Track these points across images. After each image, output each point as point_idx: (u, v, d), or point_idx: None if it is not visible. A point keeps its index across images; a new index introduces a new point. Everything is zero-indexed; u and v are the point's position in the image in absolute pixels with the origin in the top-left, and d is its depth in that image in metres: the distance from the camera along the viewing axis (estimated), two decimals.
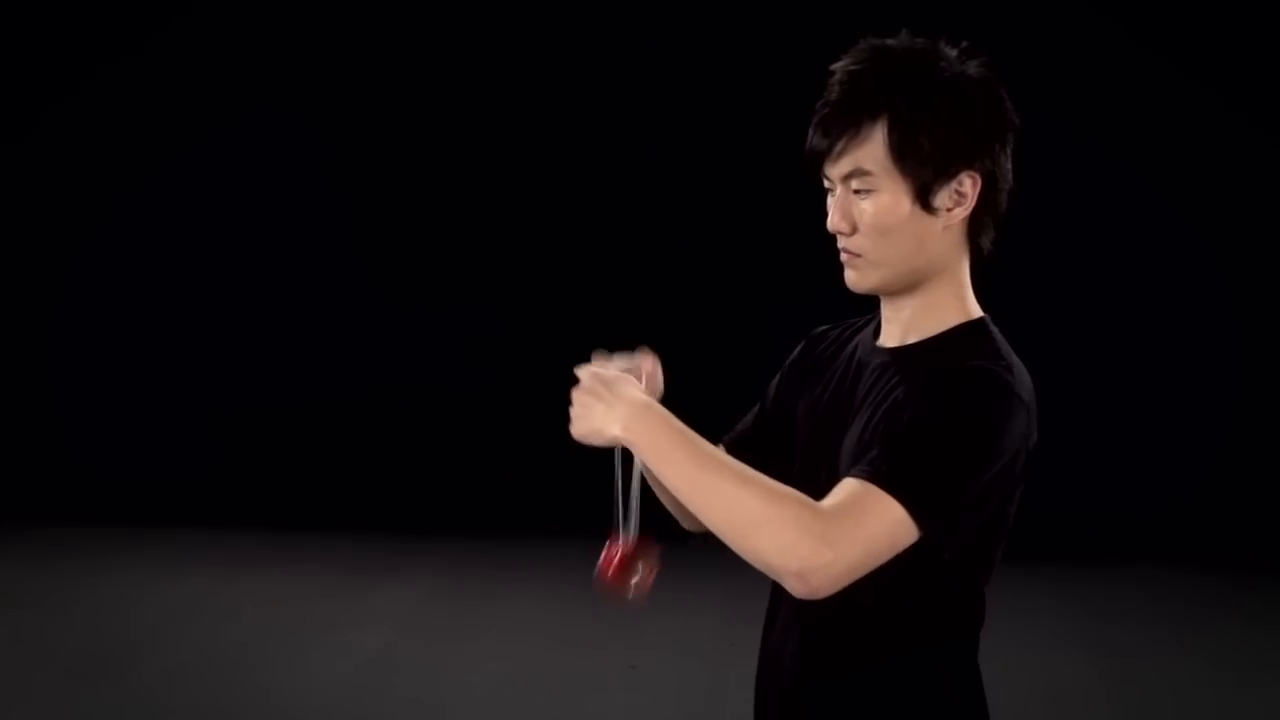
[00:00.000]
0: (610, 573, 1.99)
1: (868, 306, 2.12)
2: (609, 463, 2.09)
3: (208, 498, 8.23)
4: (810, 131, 1.97)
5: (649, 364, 2.04)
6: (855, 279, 2.01)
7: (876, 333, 2.07)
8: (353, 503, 8.23)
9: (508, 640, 6.09)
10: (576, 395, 1.93)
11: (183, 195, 8.53)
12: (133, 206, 8.53)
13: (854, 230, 1.97)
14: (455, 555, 7.44)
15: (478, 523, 7.98)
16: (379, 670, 5.64)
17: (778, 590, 2.10)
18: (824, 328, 2.18)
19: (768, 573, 1.85)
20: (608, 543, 2.00)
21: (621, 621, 6.38)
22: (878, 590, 1.95)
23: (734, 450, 2.12)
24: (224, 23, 8.38)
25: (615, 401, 1.91)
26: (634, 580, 1.99)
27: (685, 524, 2.21)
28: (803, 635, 2.03)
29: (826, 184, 2.00)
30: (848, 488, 1.86)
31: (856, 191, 1.96)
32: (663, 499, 2.16)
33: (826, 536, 1.81)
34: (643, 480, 2.01)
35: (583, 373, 1.95)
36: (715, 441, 2.12)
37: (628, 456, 1.96)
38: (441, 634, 6.20)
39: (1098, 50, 7.96)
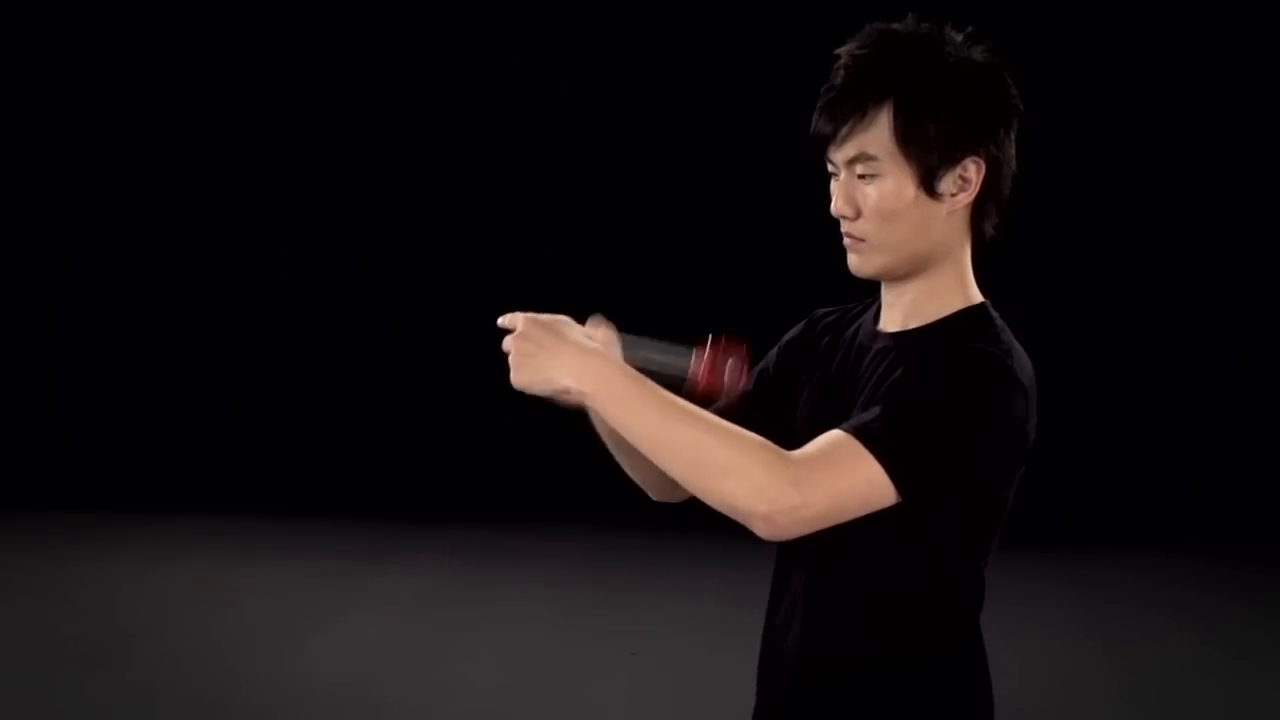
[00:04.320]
0: (704, 378, 1.94)
1: (869, 290, 2.11)
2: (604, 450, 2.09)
3: (207, 486, 8.23)
4: (815, 115, 1.96)
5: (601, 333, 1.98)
6: (858, 263, 2.00)
7: (876, 317, 2.06)
8: (352, 490, 8.23)
9: (508, 627, 6.09)
10: (514, 341, 1.86)
11: (181, 193, 8.53)
12: (133, 204, 8.54)
13: (858, 215, 1.96)
14: (455, 543, 7.44)
15: (478, 510, 7.98)
16: (379, 658, 5.64)
17: (780, 578, 2.10)
18: (825, 310, 2.18)
19: (734, 516, 1.83)
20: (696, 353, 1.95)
21: (622, 608, 6.39)
22: (878, 575, 1.97)
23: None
24: (224, 23, 8.38)
25: (562, 348, 1.85)
26: (726, 379, 1.95)
27: (654, 495, 2.18)
28: (805, 622, 2.03)
29: (830, 168, 1.99)
30: (829, 437, 1.85)
31: (861, 176, 1.95)
32: (627, 465, 2.13)
33: (796, 480, 1.80)
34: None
35: (516, 318, 1.88)
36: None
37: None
38: (442, 621, 6.20)
39: (1095, 46, 7.96)
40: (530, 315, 1.88)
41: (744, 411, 2.09)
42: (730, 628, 5.64)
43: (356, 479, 8.35)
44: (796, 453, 1.83)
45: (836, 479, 1.82)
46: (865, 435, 1.84)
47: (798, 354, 2.14)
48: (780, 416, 2.08)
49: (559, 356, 1.85)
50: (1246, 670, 5.72)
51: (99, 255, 8.57)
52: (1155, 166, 8.02)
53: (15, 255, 8.62)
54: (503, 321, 1.90)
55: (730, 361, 1.96)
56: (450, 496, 8.14)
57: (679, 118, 8.23)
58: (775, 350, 2.18)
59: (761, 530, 1.83)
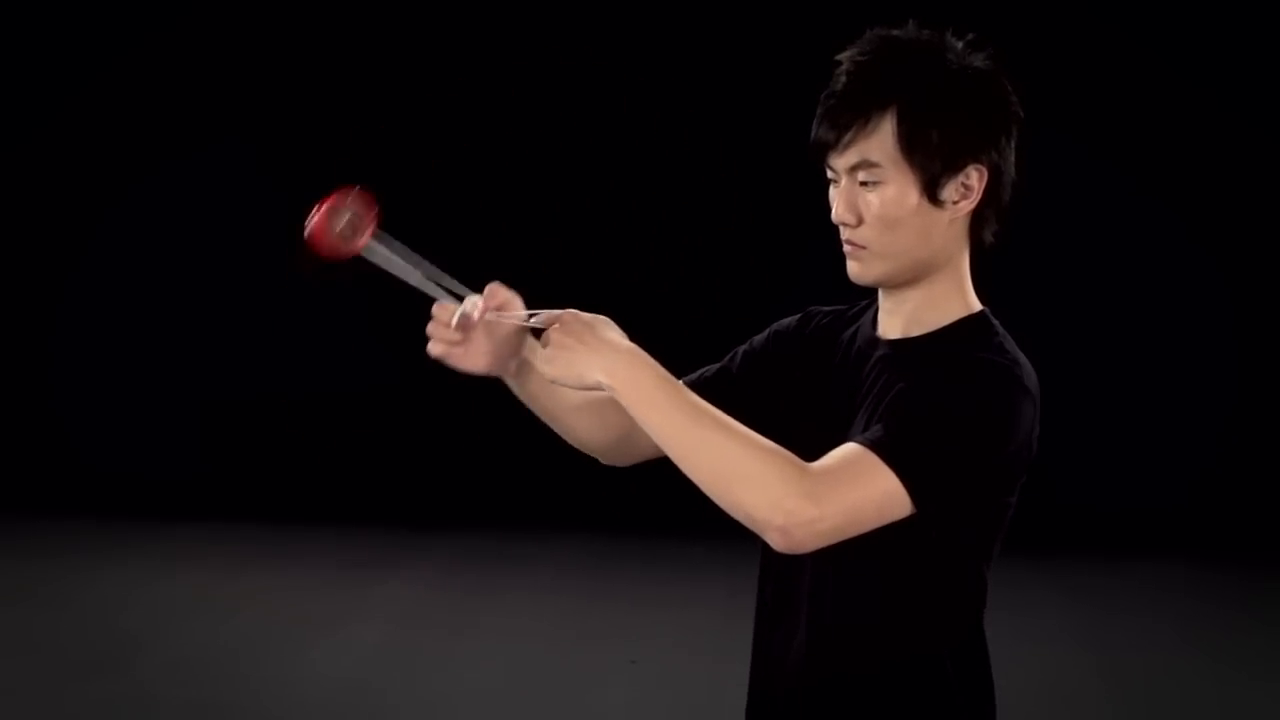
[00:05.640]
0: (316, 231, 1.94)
1: (863, 295, 2.11)
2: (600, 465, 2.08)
3: (206, 493, 8.22)
4: (816, 122, 1.96)
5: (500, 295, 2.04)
6: (859, 271, 2.00)
7: (874, 322, 2.06)
8: (351, 498, 8.22)
9: (507, 635, 6.09)
10: (554, 334, 1.91)
11: (180, 196, 8.53)
12: (132, 207, 8.52)
13: (859, 222, 1.96)
14: (454, 550, 7.44)
15: (476, 517, 7.97)
16: (378, 665, 5.64)
17: (779, 583, 2.09)
18: (820, 309, 2.17)
19: (750, 526, 1.84)
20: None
21: (622, 616, 6.39)
22: (884, 580, 1.97)
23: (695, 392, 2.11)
24: (220, 28, 8.38)
25: (599, 345, 1.89)
26: (339, 228, 1.94)
27: (604, 459, 2.19)
28: (809, 631, 2.03)
29: (830, 175, 1.99)
30: (845, 450, 1.86)
31: (863, 183, 1.95)
32: (550, 418, 2.14)
33: (813, 494, 1.81)
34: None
35: (563, 314, 1.92)
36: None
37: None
38: (441, 629, 6.20)
39: (1095, 47, 7.96)
40: (573, 311, 1.93)
41: (709, 392, 2.09)
42: (731, 636, 5.63)
43: (356, 485, 8.34)
44: (814, 465, 1.84)
45: (853, 492, 1.83)
46: (882, 448, 1.84)
47: (790, 344, 2.13)
48: (751, 406, 2.07)
49: (596, 354, 1.88)
50: (1244, 680, 5.70)
51: (99, 257, 8.56)
52: (1155, 169, 8.01)
53: (15, 256, 8.61)
54: (537, 320, 1.94)
55: (345, 211, 1.95)
56: (450, 503, 8.14)
57: (678, 122, 8.22)
58: (765, 333, 2.17)
59: (777, 543, 1.84)
